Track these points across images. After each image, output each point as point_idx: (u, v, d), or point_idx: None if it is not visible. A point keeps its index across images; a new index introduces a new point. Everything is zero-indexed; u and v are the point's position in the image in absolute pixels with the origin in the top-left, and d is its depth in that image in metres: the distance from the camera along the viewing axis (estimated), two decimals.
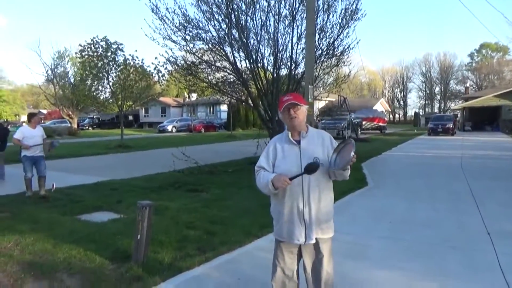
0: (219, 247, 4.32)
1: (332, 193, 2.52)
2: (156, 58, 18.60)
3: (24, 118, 65.09)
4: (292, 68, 12.19)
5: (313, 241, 2.41)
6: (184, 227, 5.16)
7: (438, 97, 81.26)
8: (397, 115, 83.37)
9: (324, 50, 11.77)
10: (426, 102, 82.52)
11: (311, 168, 2.29)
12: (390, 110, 68.59)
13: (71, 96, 35.50)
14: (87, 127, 48.75)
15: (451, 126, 29.02)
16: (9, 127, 24.47)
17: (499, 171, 10.34)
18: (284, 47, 12.13)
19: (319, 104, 40.71)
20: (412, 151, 16.88)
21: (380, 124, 34.52)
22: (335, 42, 11.67)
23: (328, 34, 11.68)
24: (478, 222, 5.32)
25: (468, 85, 61.26)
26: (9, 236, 4.72)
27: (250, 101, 12.99)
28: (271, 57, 12.30)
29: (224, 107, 46.19)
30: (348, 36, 11.80)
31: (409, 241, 4.54)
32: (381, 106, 49.57)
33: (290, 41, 11.77)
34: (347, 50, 12.10)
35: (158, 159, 14.81)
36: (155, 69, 20.23)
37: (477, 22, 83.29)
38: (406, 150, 17.41)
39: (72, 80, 38.13)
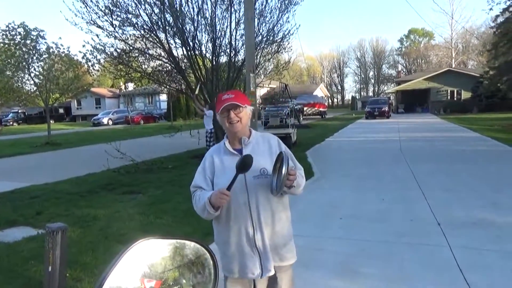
0: None
1: (288, 210, 2.03)
2: (84, 46, 16.87)
3: None
4: (232, 55, 11.62)
5: (272, 272, 1.92)
6: (114, 242, 4.48)
7: (372, 81, 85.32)
8: (335, 100, 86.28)
9: (264, 36, 11.32)
10: (362, 86, 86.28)
11: (244, 164, 1.74)
12: (329, 95, 70.64)
13: None
14: (11, 123, 44.53)
15: (387, 109, 30.29)
16: None
17: (437, 154, 10.67)
18: (223, 33, 11.51)
19: (260, 91, 40.52)
20: (353, 136, 17.19)
21: (321, 109, 35.20)
22: (275, 27, 11.27)
23: (267, 19, 11.24)
24: (426, 212, 5.22)
25: (399, 69, 64.74)
26: None
27: (189, 91, 12.25)
28: (209, 44, 11.62)
29: (163, 97, 44.46)
30: (288, 21, 11.45)
31: (363, 240, 4.27)
32: (321, 91, 50.67)
33: (229, 27, 11.19)
34: (287, 35, 11.77)
35: (90, 157, 13.63)
36: (83, 57, 18.63)
37: (405, 8, 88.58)
38: (347, 135, 17.71)
39: None
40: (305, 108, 32.07)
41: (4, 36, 18.23)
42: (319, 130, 21.40)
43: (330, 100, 75.63)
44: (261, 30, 11.07)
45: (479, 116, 27.40)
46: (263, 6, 10.98)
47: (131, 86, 51.62)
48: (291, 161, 1.88)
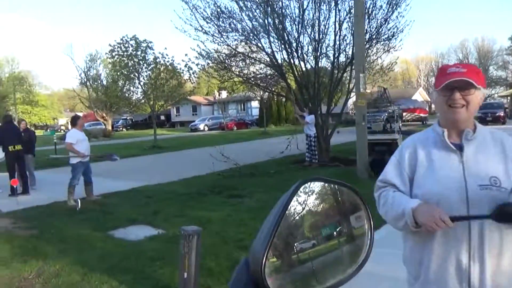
0: None
1: None
2: (186, 55, 17.98)
3: (62, 121, 67.11)
4: (335, 56, 11.12)
5: None
6: (234, 248, 4.29)
7: None
8: (433, 105, 79.98)
9: (373, 34, 10.59)
10: None
11: (507, 214, 1.26)
12: (429, 99, 65.60)
13: (104, 98, 35.76)
14: (121, 128, 49.27)
15: (502, 114, 26.82)
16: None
17: None
18: (326, 34, 11.09)
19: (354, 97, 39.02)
20: None
21: (422, 115, 32.65)
22: (383, 25, 10.48)
23: (376, 15, 10.50)
24: None
25: None
26: (32, 262, 4.01)
27: (290, 95, 12.04)
28: (312, 46, 11.29)
29: (255, 104, 45.36)
30: (402, 16, 10.49)
31: None
32: (420, 96, 47.26)
33: (333, 26, 10.72)
34: (397, 33, 10.85)
35: (193, 160, 14.15)
36: (185, 66, 19.78)
37: None
38: None
39: (104, 82, 38.48)
40: (404, 114, 29.92)
41: (118, 49, 20.13)
42: None
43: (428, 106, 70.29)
44: (369, 28, 10.37)
45: None
46: (372, 2, 10.27)
47: (224, 93, 53.96)
48: None
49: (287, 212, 0.76)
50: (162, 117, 53.48)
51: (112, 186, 8.53)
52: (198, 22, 10.51)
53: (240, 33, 11.15)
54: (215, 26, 10.60)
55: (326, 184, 0.91)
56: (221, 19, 10.58)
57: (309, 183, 0.85)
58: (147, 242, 4.69)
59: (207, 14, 10.43)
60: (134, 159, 15.02)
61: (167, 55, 20.15)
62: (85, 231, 5.23)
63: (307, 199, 0.84)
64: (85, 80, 38.48)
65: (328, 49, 11.48)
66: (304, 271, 0.79)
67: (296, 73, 11.28)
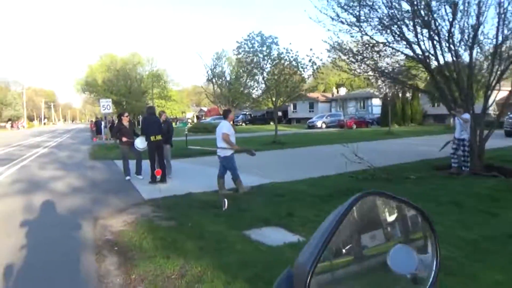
0: None
1: None
2: (311, 49, 17.39)
3: (189, 115, 73.29)
4: (497, 44, 9.25)
5: None
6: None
7: None
8: None
9: None
10: None
11: None
12: None
13: (227, 94, 37.53)
14: (240, 123, 51.43)
15: None
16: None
17: None
18: (484, 19, 9.29)
19: (497, 96, 33.61)
20: None
21: None
22: None
23: None
24: None
25: None
26: (174, 259, 3.82)
27: (435, 90, 10.51)
28: (465, 34, 9.59)
29: (375, 101, 42.69)
30: None
31: None
32: None
33: (496, 9, 8.92)
34: None
35: (316, 158, 13.57)
36: (310, 61, 19.24)
37: None
38: None
39: (228, 79, 40.39)
40: None
41: (245, 45, 20.55)
42: None
43: None
44: None
45: None
46: None
47: (342, 90, 52.14)
48: None
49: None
50: (279, 113, 54.21)
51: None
52: (334, 11, 9.77)
53: (378, 22, 10.05)
54: (352, 15, 9.71)
55: (386, 199, 0.83)
56: (357, 9, 9.65)
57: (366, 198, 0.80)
58: (288, 249, 4.18)
59: (345, 2, 9.61)
60: (257, 154, 15.02)
61: (291, 50, 19.83)
62: (221, 228, 4.99)
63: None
64: (211, 77, 40.86)
65: (484, 37, 9.70)
66: (349, 275, 0.75)
67: (444, 65, 9.75)
